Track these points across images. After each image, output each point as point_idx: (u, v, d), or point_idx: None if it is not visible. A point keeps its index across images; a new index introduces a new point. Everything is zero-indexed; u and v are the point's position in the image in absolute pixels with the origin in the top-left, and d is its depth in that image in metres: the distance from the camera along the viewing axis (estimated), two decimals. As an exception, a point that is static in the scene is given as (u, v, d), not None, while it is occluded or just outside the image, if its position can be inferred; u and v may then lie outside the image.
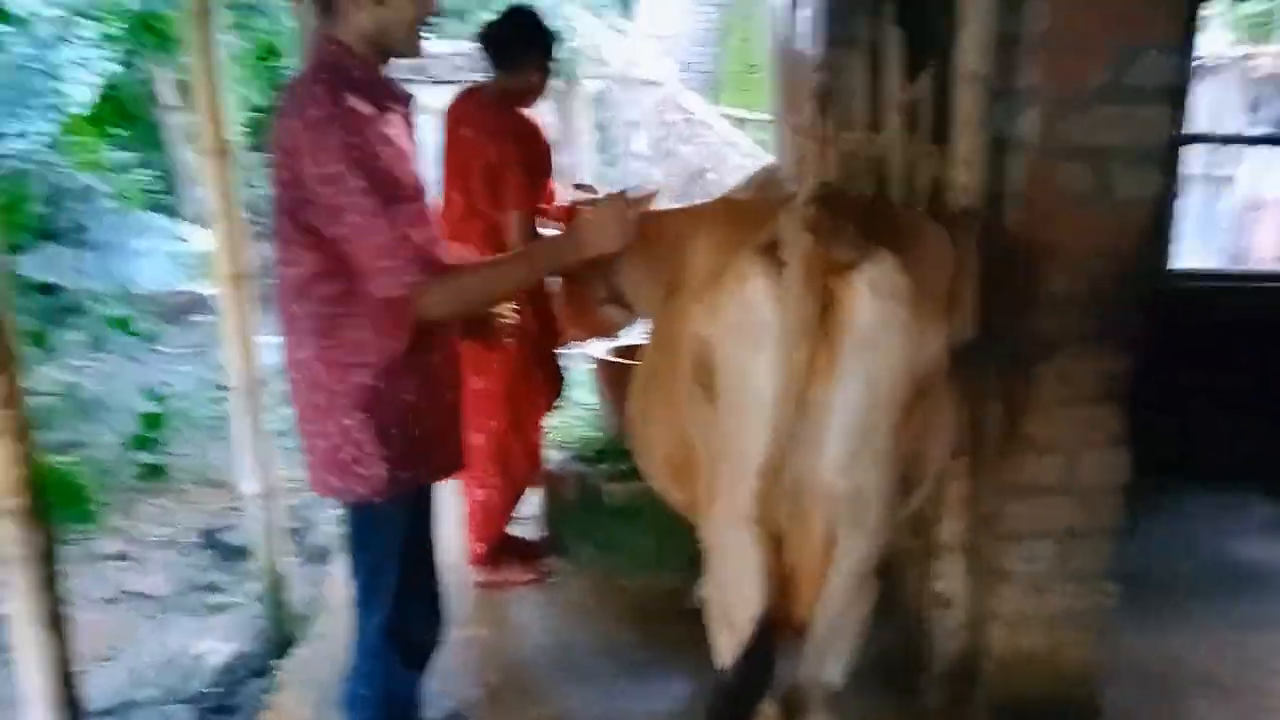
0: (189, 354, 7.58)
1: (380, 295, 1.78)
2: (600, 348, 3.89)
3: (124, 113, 7.42)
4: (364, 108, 1.75)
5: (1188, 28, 2.18)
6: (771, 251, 1.53)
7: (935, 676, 2.60)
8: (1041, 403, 2.29)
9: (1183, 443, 3.97)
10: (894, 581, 2.76)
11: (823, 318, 1.48)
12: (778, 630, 1.64)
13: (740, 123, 8.63)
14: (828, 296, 1.48)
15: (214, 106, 2.65)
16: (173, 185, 8.08)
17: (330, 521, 4.15)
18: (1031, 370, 2.26)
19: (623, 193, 2.02)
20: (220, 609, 3.60)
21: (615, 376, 3.83)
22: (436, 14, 1.92)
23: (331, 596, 3.24)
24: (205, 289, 4.59)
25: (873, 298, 1.49)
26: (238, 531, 4.09)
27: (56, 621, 1.86)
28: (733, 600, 1.73)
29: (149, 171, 7.40)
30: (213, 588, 3.75)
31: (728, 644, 1.75)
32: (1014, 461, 2.35)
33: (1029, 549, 2.41)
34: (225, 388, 6.45)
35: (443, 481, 2.08)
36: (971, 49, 2.17)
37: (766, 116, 9.87)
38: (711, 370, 1.63)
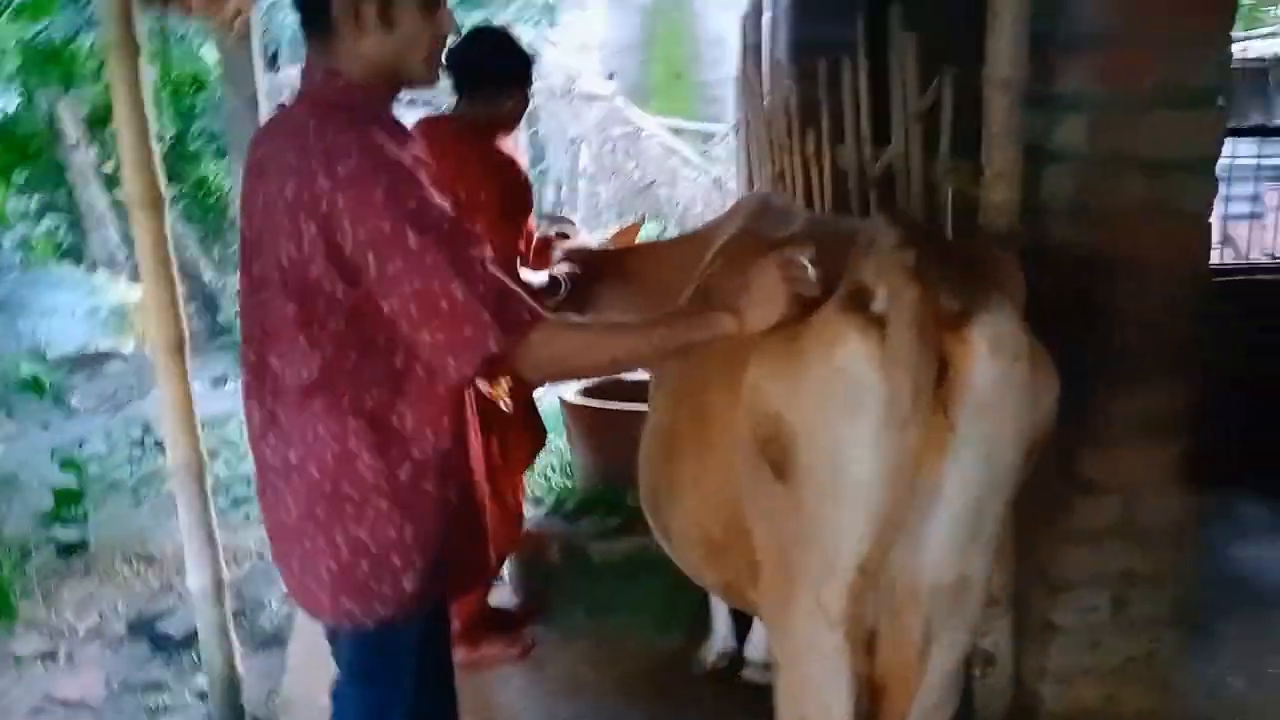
0: (103, 409, 7.13)
1: (457, 373, 1.45)
2: (571, 389, 3.58)
3: (24, 152, 6.91)
4: (399, 152, 1.45)
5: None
6: (859, 305, 1.26)
7: (980, 740, 2.37)
8: (1100, 439, 2.07)
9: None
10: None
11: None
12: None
13: (679, 133, 8.42)
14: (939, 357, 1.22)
15: (142, 153, 2.28)
16: (80, 228, 7.56)
17: (278, 599, 3.78)
18: (1086, 403, 2.04)
19: (783, 253, 1.49)
20: (162, 711, 3.19)
21: (591, 421, 3.53)
22: (453, 34, 1.62)
23: (291, 698, 2.90)
24: (122, 345, 4.15)
25: (994, 356, 1.24)
26: (174, 619, 3.68)
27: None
28: (813, 712, 1.45)
29: (55, 215, 6.91)
30: (152, 686, 3.33)
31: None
32: (1067, 504, 2.13)
33: (1084, 599, 2.21)
34: (143, 445, 6.14)
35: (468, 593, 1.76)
36: (1004, 53, 1.94)
37: (703, 126, 9.74)
38: (787, 448, 1.35)
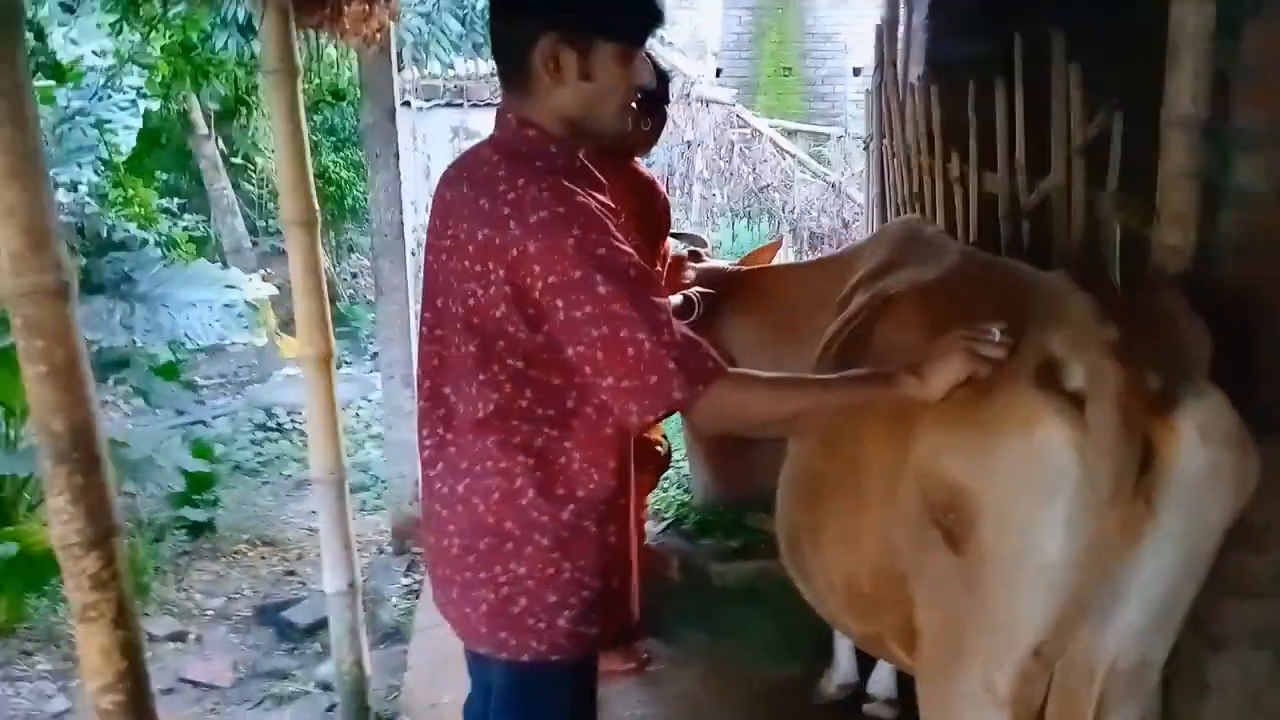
0: (226, 391, 7.40)
1: (639, 419, 1.45)
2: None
3: (156, 140, 7.21)
4: (589, 200, 1.46)
5: None
6: (1054, 382, 1.21)
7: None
8: (1268, 488, 1.96)
9: None
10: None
11: (1134, 467, 1.17)
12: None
13: (792, 135, 8.32)
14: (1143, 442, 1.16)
15: (298, 174, 2.35)
16: (208, 218, 7.86)
17: (401, 594, 3.86)
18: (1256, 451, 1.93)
19: (973, 326, 1.43)
20: (287, 699, 3.30)
21: (714, 441, 3.51)
22: (650, 87, 1.62)
23: (412, 694, 2.97)
24: (255, 339, 4.29)
25: (1203, 446, 1.18)
26: (299, 608, 3.80)
27: None
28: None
29: (188, 211, 7.21)
30: (277, 674, 3.45)
31: None
32: (1230, 556, 2.02)
33: (1244, 659, 2.08)
34: (265, 429, 6.35)
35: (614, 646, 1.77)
36: (1185, 89, 1.84)
37: (816, 127, 9.60)
38: (968, 521, 1.31)
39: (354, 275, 9.47)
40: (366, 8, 2.86)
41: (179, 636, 3.75)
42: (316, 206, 2.44)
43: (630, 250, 1.45)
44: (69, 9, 4.55)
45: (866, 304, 2.03)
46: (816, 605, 2.00)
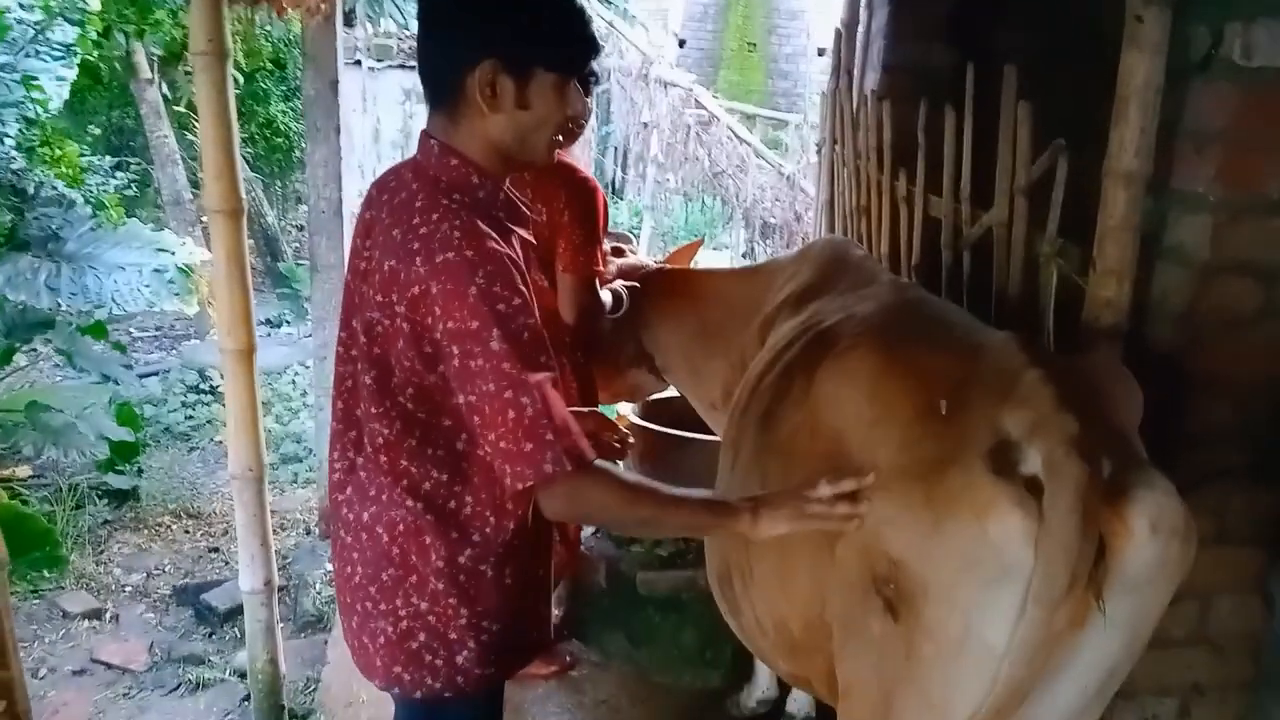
0: (159, 348, 7.22)
1: (510, 483, 1.42)
2: (630, 410, 3.53)
3: (96, 77, 6.96)
4: (501, 247, 1.41)
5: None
6: (1009, 466, 1.20)
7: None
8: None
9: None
10: None
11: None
12: None
13: (751, 120, 8.24)
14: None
15: (224, 161, 2.25)
16: (149, 166, 7.62)
17: (325, 580, 3.81)
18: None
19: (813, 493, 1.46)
20: (203, 686, 3.24)
21: (649, 445, 3.48)
22: (584, 117, 1.57)
23: (329, 691, 2.93)
24: (189, 308, 4.17)
25: (1152, 539, 1.18)
26: (218, 591, 3.72)
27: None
28: None
29: (125, 173, 6.98)
30: (193, 659, 3.38)
31: None
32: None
33: (1148, 706, 2.13)
34: (199, 391, 6.20)
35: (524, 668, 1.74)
36: (1130, 144, 1.83)
37: (775, 114, 9.54)
38: (909, 596, 1.30)
39: (299, 228, 9.26)
40: (309, -18, 2.76)
41: (95, 614, 3.66)
42: (243, 194, 2.35)
43: (531, 310, 1.41)
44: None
45: (798, 334, 2.00)
46: (746, 643, 1.99)
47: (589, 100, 2.59)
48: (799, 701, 2.65)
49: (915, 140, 2.75)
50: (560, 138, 1.56)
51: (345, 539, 1.60)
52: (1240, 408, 1.92)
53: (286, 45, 7.49)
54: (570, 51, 1.49)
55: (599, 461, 1.44)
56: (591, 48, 1.52)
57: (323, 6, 3.09)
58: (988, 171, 2.35)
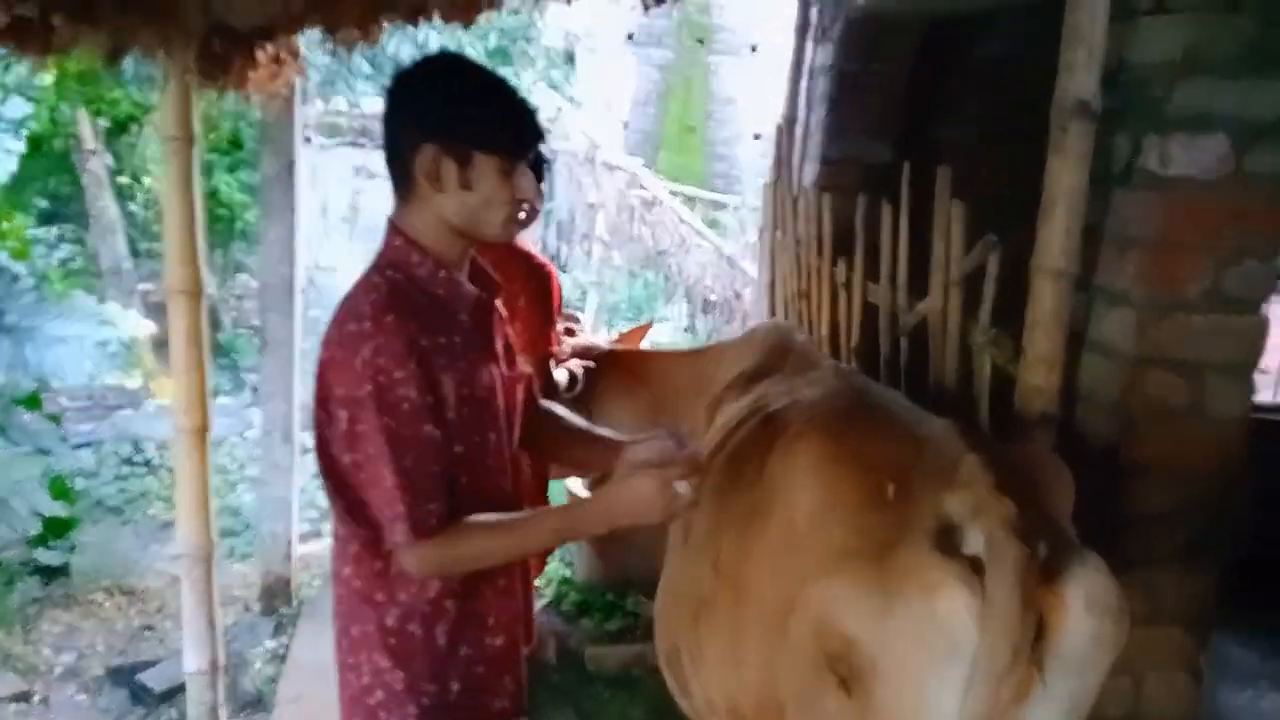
0: (92, 419, 7.06)
1: (388, 540, 1.52)
2: (578, 482, 3.58)
3: (39, 151, 6.92)
4: (405, 331, 1.48)
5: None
6: (953, 547, 1.28)
7: None
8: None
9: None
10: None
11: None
12: None
13: (691, 201, 8.48)
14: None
15: (187, 244, 2.29)
16: (87, 235, 7.55)
17: (265, 659, 3.74)
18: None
19: (672, 443, 1.64)
20: (138, 771, 3.15)
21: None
22: (532, 201, 1.64)
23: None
24: (132, 381, 4.13)
25: (1087, 616, 1.26)
26: (154, 672, 3.62)
27: None
28: None
29: (66, 222, 6.92)
30: (128, 742, 3.29)
31: None
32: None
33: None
34: (132, 463, 6.08)
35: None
36: (1056, 244, 1.96)
37: (716, 196, 9.82)
38: (860, 671, 1.37)
39: (239, 298, 9.20)
40: (275, 66, 2.82)
41: (23, 697, 3.53)
42: (204, 275, 2.38)
43: (412, 392, 1.47)
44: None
45: (746, 415, 2.08)
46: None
47: (539, 185, 2.72)
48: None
49: (853, 230, 2.90)
50: (522, 216, 1.63)
51: (337, 591, 1.68)
52: (1171, 495, 2.04)
53: (244, 122, 7.54)
54: (506, 136, 1.56)
55: (451, 526, 1.52)
56: (529, 133, 1.59)
57: (284, 90, 3.16)
58: (924, 261, 2.49)
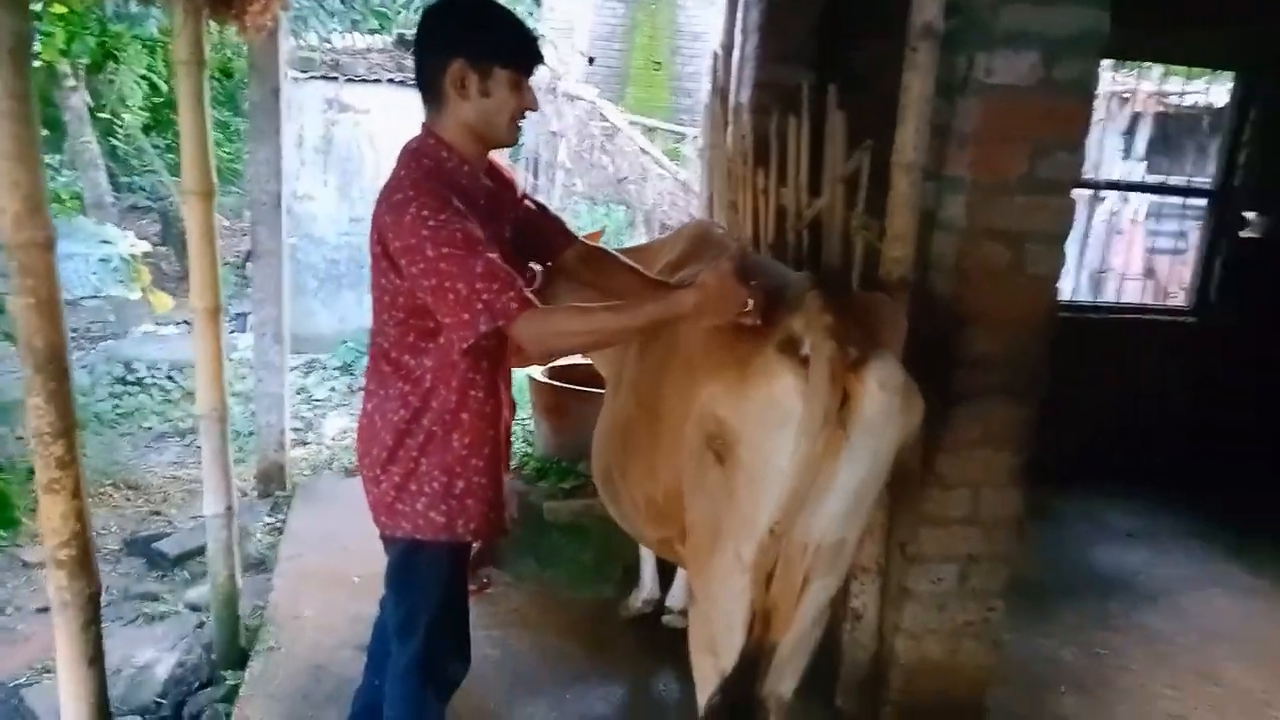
0: (83, 346, 7.45)
1: (460, 344, 1.90)
2: (537, 370, 4.09)
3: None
4: (441, 193, 1.90)
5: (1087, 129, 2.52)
6: (792, 349, 1.78)
7: (848, 683, 2.91)
8: (955, 445, 2.61)
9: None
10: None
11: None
12: (759, 655, 1.91)
13: (652, 132, 8.88)
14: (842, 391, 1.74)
15: (200, 152, 2.74)
16: (70, 170, 7.87)
17: (265, 530, 4.24)
18: (947, 416, 2.59)
19: (737, 262, 1.91)
20: (159, 618, 3.66)
21: (551, 398, 4.04)
22: (535, 109, 2.09)
23: (277, 609, 3.38)
24: (132, 294, 4.56)
25: (880, 392, 1.75)
26: (166, 540, 4.13)
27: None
28: (720, 631, 1.99)
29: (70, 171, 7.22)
30: (148, 596, 3.79)
31: (709, 668, 2.02)
32: (926, 494, 2.67)
33: (934, 571, 2.73)
34: (124, 383, 6.49)
35: (481, 542, 2.22)
36: (909, 141, 2.46)
37: (674, 127, 10.21)
38: (729, 444, 1.87)
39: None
40: (264, 2, 3.25)
41: (50, 564, 4.01)
42: (215, 179, 2.84)
43: (460, 223, 1.87)
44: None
45: (657, 274, 2.60)
46: (621, 521, 2.56)
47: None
48: (677, 597, 3.22)
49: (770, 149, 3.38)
50: (520, 125, 2.08)
51: (362, 424, 2.14)
52: (997, 340, 2.55)
53: (234, 55, 7.85)
54: (519, 54, 2.01)
55: (535, 308, 1.86)
56: (535, 53, 2.05)
57: (270, 22, 3.58)
58: (820, 168, 2.98)
